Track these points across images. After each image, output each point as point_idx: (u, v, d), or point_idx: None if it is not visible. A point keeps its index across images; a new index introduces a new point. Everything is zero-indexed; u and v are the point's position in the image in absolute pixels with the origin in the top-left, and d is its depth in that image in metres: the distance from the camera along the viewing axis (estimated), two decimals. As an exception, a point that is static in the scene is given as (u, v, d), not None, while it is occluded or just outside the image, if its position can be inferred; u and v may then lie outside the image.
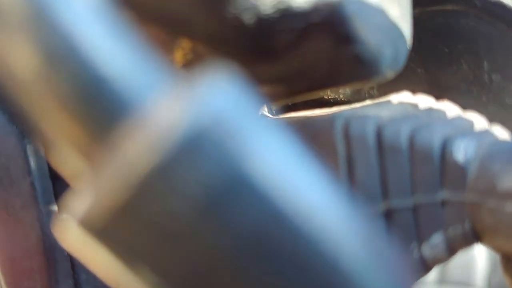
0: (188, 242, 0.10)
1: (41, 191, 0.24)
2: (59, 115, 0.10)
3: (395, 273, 0.11)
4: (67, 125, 0.10)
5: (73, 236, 0.10)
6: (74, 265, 0.25)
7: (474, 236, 0.20)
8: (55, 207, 0.25)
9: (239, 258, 0.10)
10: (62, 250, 0.25)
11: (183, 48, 0.21)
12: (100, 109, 0.10)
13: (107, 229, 0.10)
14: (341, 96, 0.29)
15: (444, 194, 0.20)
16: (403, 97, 0.24)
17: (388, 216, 0.20)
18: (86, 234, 0.10)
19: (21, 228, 0.24)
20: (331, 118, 0.21)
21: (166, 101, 0.10)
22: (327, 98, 0.29)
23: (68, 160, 0.11)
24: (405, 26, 0.22)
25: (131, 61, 0.10)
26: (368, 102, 0.24)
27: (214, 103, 0.10)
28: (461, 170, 0.20)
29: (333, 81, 0.20)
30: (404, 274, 0.12)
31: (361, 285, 0.11)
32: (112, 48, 0.10)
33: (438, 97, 0.24)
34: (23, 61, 0.10)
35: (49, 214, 0.24)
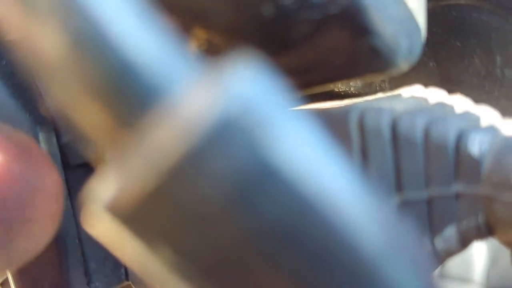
0: (218, 228, 0.10)
1: None
2: (87, 100, 0.10)
3: (417, 262, 0.12)
4: (95, 111, 0.10)
5: (100, 222, 0.10)
6: (84, 254, 0.25)
7: (487, 230, 0.20)
8: (66, 196, 0.25)
9: (266, 244, 0.10)
10: (72, 238, 0.25)
11: (198, 38, 0.21)
12: (129, 95, 0.10)
13: (136, 215, 0.10)
14: (351, 89, 0.29)
15: (458, 187, 0.20)
16: (416, 90, 0.24)
17: (402, 208, 0.20)
18: (114, 220, 0.10)
19: None
20: (346, 110, 0.21)
21: (195, 88, 0.10)
22: (337, 90, 0.29)
23: (95, 146, 0.11)
24: (420, 19, 0.22)
25: (160, 48, 0.10)
26: (379, 95, 0.24)
27: (243, 91, 0.10)
28: (475, 163, 0.20)
29: (349, 73, 0.20)
30: (425, 263, 0.12)
31: (385, 272, 0.11)
32: (141, 35, 0.10)
33: (449, 91, 0.24)
34: (51, 45, 0.10)
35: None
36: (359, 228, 0.11)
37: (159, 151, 0.10)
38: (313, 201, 0.10)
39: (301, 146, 0.10)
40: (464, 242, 0.20)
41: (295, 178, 0.10)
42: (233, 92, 0.10)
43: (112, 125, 0.10)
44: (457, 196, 0.20)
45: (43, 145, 0.24)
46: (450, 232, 0.20)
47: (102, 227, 0.10)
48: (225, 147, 0.10)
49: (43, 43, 0.10)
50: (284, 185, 0.10)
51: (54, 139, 0.24)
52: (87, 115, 0.10)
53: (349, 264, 0.10)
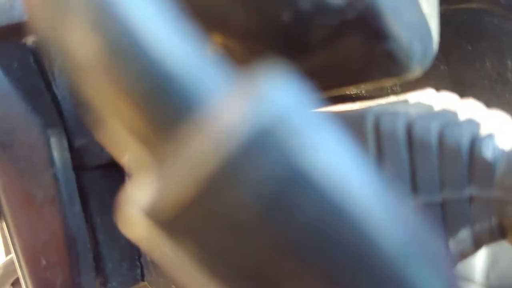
0: (253, 234, 0.10)
1: (64, 183, 0.24)
2: (123, 106, 0.10)
3: (439, 261, 0.12)
4: (131, 116, 0.10)
5: (138, 227, 0.11)
6: (101, 254, 0.25)
7: (500, 233, 0.20)
8: (77, 199, 0.25)
9: (297, 248, 0.10)
10: (84, 242, 0.25)
11: (215, 43, 0.21)
12: (166, 102, 0.10)
13: (174, 221, 0.10)
14: (363, 91, 0.29)
15: (472, 190, 0.20)
16: (428, 94, 0.24)
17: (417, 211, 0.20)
18: (152, 225, 0.10)
19: (43, 219, 0.25)
20: (362, 113, 0.21)
21: (230, 97, 0.10)
22: (349, 93, 0.30)
23: (131, 152, 0.11)
24: (434, 23, 0.22)
25: (196, 57, 0.11)
26: (392, 98, 0.24)
27: (276, 100, 0.10)
28: (489, 167, 0.20)
29: (364, 77, 0.21)
30: (447, 262, 0.12)
31: (409, 272, 0.11)
32: (176, 40, 0.11)
33: (461, 94, 0.24)
34: (86, 46, 0.10)
35: (72, 206, 0.25)
36: (384, 229, 0.11)
37: (196, 159, 0.10)
38: (342, 205, 0.11)
39: (331, 152, 0.11)
40: (477, 244, 0.21)
41: (325, 183, 0.10)
42: (267, 101, 0.10)
43: (150, 132, 0.10)
44: (471, 199, 0.20)
45: (54, 149, 0.24)
46: (464, 235, 0.21)
47: (140, 231, 0.11)
48: (261, 155, 0.10)
49: (79, 45, 0.10)
50: (315, 191, 0.10)
51: (65, 143, 0.24)
52: (123, 120, 0.10)
53: (375, 264, 0.11)
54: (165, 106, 0.10)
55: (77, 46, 0.11)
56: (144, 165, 0.11)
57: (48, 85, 0.25)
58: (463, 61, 0.28)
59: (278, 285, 0.10)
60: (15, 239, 0.25)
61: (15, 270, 0.42)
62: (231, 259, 0.10)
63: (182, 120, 0.10)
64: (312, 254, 0.10)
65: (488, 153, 0.20)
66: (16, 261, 0.26)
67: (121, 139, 0.11)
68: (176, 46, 0.11)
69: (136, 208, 0.10)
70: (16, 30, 0.26)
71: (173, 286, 0.24)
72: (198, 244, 0.10)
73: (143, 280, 0.26)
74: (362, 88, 0.29)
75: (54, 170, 0.24)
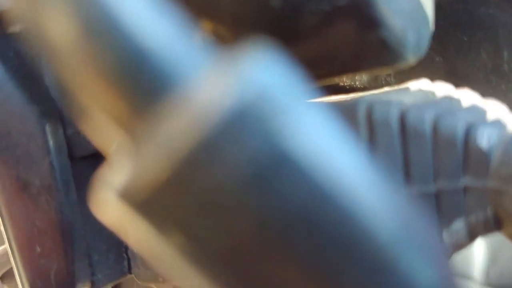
0: (232, 215, 0.10)
1: (59, 171, 0.24)
2: (100, 88, 0.10)
3: (431, 250, 0.11)
4: (107, 98, 0.10)
5: (112, 210, 0.10)
6: (88, 245, 0.25)
7: (496, 223, 0.20)
8: (73, 187, 0.25)
9: (280, 231, 0.10)
10: (79, 230, 0.25)
11: (204, 30, 0.20)
12: (143, 82, 0.10)
13: (149, 203, 0.10)
14: (357, 83, 0.29)
15: (466, 181, 0.20)
16: (422, 84, 0.23)
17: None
18: (126, 208, 0.10)
19: (39, 207, 0.24)
20: (353, 103, 0.21)
21: (209, 76, 0.10)
22: (342, 84, 0.29)
23: (107, 133, 0.11)
24: (429, 12, 0.22)
25: (173, 36, 0.10)
26: (386, 89, 0.24)
27: (258, 78, 0.10)
28: (484, 157, 0.20)
29: (357, 66, 0.20)
30: (440, 251, 0.12)
31: (400, 258, 0.11)
32: (154, 21, 0.10)
33: (456, 85, 0.23)
34: (62, 31, 0.10)
35: (68, 194, 0.24)
36: (374, 215, 0.10)
37: (174, 138, 0.10)
38: (329, 189, 0.10)
39: (317, 134, 0.10)
40: (472, 236, 0.20)
41: (310, 166, 0.10)
42: (248, 79, 0.10)
43: (126, 112, 0.10)
44: (465, 189, 0.20)
45: (50, 137, 0.24)
46: (458, 226, 0.20)
47: (114, 214, 0.10)
48: (241, 134, 0.10)
49: (54, 29, 0.10)
50: (299, 173, 0.10)
51: (61, 131, 0.24)
52: (100, 102, 0.10)
53: (364, 251, 0.10)
54: (141, 85, 0.10)
55: (53, 28, 0.10)
56: (121, 147, 0.10)
57: (43, 74, 0.25)
58: (459, 52, 0.28)
59: (260, 269, 0.10)
60: (9, 227, 0.25)
61: (4, 263, 0.41)
62: (210, 243, 0.10)
63: (159, 99, 0.10)
64: (297, 238, 0.10)
65: (483, 142, 0.20)
66: (9, 249, 0.25)
67: (100, 124, 0.11)
68: (153, 24, 0.10)
69: (110, 190, 0.10)
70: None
71: (160, 279, 0.24)
72: (175, 227, 0.10)
73: (130, 272, 0.25)
74: (355, 79, 0.28)
75: (50, 158, 0.24)
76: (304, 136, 0.10)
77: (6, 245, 0.26)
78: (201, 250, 0.10)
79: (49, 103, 0.24)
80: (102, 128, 0.11)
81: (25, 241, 0.24)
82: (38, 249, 0.24)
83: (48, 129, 0.23)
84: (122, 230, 0.10)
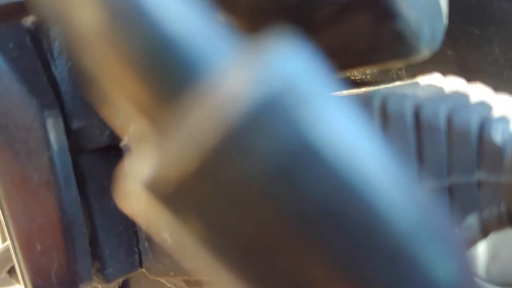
0: (258, 207, 0.10)
1: (60, 166, 0.24)
2: (126, 76, 0.10)
3: (451, 244, 0.11)
4: (133, 86, 0.10)
5: (137, 201, 0.10)
6: (98, 240, 0.25)
7: (509, 218, 0.20)
8: (74, 183, 0.24)
9: (305, 222, 0.10)
10: (80, 227, 0.24)
11: (220, 21, 0.20)
12: (169, 70, 0.10)
13: (176, 194, 0.10)
14: (368, 77, 0.29)
15: (480, 175, 0.20)
16: (434, 78, 0.23)
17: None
18: (152, 199, 0.10)
19: (39, 203, 0.24)
20: (368, 96, 0.20)
21: (236, 66, 0.10)
22: (353, 78, 0.29)
23: (131, 123, 0.10)
24: (443, 4, 0.22)
25: (200, 24, 0.10)
26: (397, 83, 0.23)
27: (285, 68, 0.10)
28: (498, 151, 0.20)
29: (372, 59, 0.20)
30: (459, 245, 0.12)
31: (420, 251, 0.11)
32: (180, 10, 0.10)
33: (468, 80, 0.23)
34: (89, 18, 0.10)
35: (68, 190, 0.24)
36: (396, 207, 0.10)
37: (201, 129, 0.09)
38: (354, 181, 0.10)
39: (343, 125, 0.10)
40: (485, 231, 0.20)
41: (336, 157, 0.10)
42: (275, 69, 0.10)
43: (151, 101, 0.10)
44: (479, 184, 0.20)
45: (50, 131, 0.23)
46: (472, 221, 0.20)
47: (139, 205, 0.10)
48: (268, 124, 0.09)
49: (81, 17, 0.10)
50: (325, 164, 0.10)
51: (61, 125, 0.24)
52: (125, 91, 0.10)
53: (386, 243, 0.10)
54: (168, 74, 0.10)
55: (79, 16, 0.10)
56: (146, 138, 0.10)
57: (46, 66, 0.24)
58: (470, 46, 0.27)
59: (284, 261, 0.10)
60: (10, 223, 0.24)
61: (11, 257, 0.41)
62: (235, 234, 0.10)
63: (185, 89, 0.10)
64: (320, 230, 0.10)
65: (497, 137, 0.20)
66: (11, 246, 0.25)
67: (123, 112, 0.10)
68: (181, 14, 0.10)
69: (136, 182, 0.10)
70: (13, 10, 0.25)
71: (171, 273, 0.24)
72: (201, 218, 0.10)
73: (141, 266, 0.25)
74: (366, 73, 0.28)
75: (50, 153, 0.23)
76: (330, 127, 0.10)
77: (9, 241, 0.26)
78: (226, 242, 0.10)
79: (50, 96, 0.23)
80: (126, 117, 0.10)
81: (26, 238, 0.24)
82: (38, 247, 0.24)
83: (48, 122, 0.23)
84: (147, 221, 0.10)
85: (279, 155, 0.09)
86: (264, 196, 0.09)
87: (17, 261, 0.25)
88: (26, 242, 0.24)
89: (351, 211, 0.10)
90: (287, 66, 0.10)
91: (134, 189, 0.10)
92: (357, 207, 0.10)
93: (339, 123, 0.10)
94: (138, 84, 0.10)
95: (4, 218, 0.24)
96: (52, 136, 0.23)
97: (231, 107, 0.09)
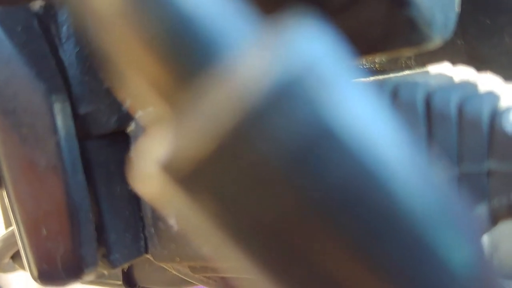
0: (277, 190, 0.09)
1: (67, 151, 0.24)
2: (144, 55, 0.10)
3: (467, 229, 0.11)
4: (151, 66, 0.10)
5: (153, 183, 0.10)
6: (104, 225, 0.24)
7: (518, 208, 0.20)
8: (81, 168, 0.24)
9: (324, 206, 0.10)
10: (86, 213, 0.24)
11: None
12: (188, 51, 0.10)
13: (193, 176, 0.10)
14: (376, 65, 0.28)
15: (490, 164, 0.20)
16: (444, 68, 0.23)
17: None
18: (169, 181, 0.10)
19: (45, 188, 0.24)
20: (379, 84, 0.20)
21: (256, 47, 0.10)
22: (361, 67, 0.29)
23: (148, 104, 0.10)
24: (455, -7, 0.21)
25: (220, 5, 0.10)
26: (406, 72, 0.23)
27: (306, 50, 0.10)
28: (509, 141, 0.20)
29: (384, 46, 0.20)
30: (475, 231, 0.12)
31: (438, 238, 0.11)
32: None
33: (478, 70, 0.23)
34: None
35: (75, 175, 0.24)
36: (415, 192, 0.10)
37: (220, 110, 0.09)
38: (373, 165, 0.10)
39: (363, 110, 0.10)
40: (494, 220, 0.20)
41: (356, 141, 0.10)
42: (296, 51, 0.09)
43: (170, 82, 0.10)
44: (489, 173, 0.20)
45: (57, 116, 0.23)
46: (481, 210, 0.20)
47: (156, 187, 0.10)
48: (288, 107, 0.09)
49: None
50: (345, 148, 0.10)
51: (69, 110, 0.23)
52: (144, 71, 0.10)
53: (403, 227, 0.10)
54: (187, 54, 0.10)
55: None
56: (163, 118, 0.10)
57: (54, 51, 0.24)
58: (481, 35, 0.27)
59: (300, 246, 0.10)
60: (16, 208, 0.24)
61: (15, 243, 0.41)
62: (252, 218, 0.10)
63: (204, 69, 0.10)
64: (338, 214, 0.10)
65: (508, 126, 0.20)
66: (17, 231, 0.25)
67: (140, 93, 0.10)
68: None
69: (153, 163, 0.10)
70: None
71: (177, 259, 0.24)
72: (218, 201, 0.10)
73: (146, 252, 0.25)
74: (374, 62, 0.28)
75: (57, 138, 0.23)
76: (350, 110, 0.10)
77: (14, 226, 0.26)
78: (243, 225, 0.10)
79: (58, 81, 0.23)
80: (142, 99, 0.10)
81: (32, 223, 0.23)
82: (44, 232, 0.24)
83: (55, 107, 0.23)
84: (163, 203, 0.10)
85: (299, 138, 0.09)
86: (283, 179, 0.09)
87: (22, 246, 0.25)
88: (32, 227, 0.24)
89: (369, 196, 0.10)
90: (308, 48, 0.10)
91: (150, 170, 0.10)
92: (375, 192, 0.10)
93: (360, 107, 0.10)
94: (157, 64, 0.10)
95: (10, 203, 0.24)
96: (60, 121, 0.23)
97: (251, 88, 0.09)
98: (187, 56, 0.10)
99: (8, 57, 0.23)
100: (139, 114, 0.21)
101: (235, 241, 0.10)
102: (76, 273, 0.24)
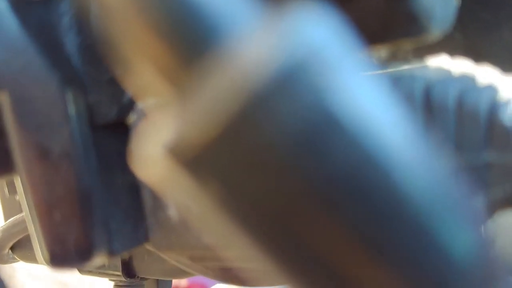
0: (281, 174, 0.10)
1: (80, 138, 0.24)
2: (149, 39, 0.10)
3: (469, 217, 0.11)
4: (156, 49, 0.10)
5: (158, 167, 0.10)
6: (107, 214, 0.25)
7: (515, 200, 0.20)
8: (93, 155, 0.24)
9: (326, 191, 0.10)
10: (97, 199, 0.24)
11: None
12: (193, 34, 0.10)
13: (198, 160, 0.10)
14: (374, 59, 0.28)
15: (488, 156, 0.20)
16: (442, 61, 0.23)
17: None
18: (174, 164, 0.10)
19: (59, 175, 0.24)
20: (378, 77, 0.20)
21: (261, 30, 0.10)
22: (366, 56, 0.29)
23: (152, 88, 0.10)
24: (455, -14, 0.22)
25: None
26: (405, 66, 0.23)
27: (310, 34, 0.10)
28: (507, 133, 0.20)
29: (384, 38, 0.20)
30: (476, 218, 0.12)
31: (440, 224, 0.11)
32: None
33: (476, 63, 0.23)
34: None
35: (88, 162, 0.24)
36: (418, 180, 0.10)
37: (224, 94, 0.09)
38: (376, 152, 0.10)
39: (367, 95, 0.10)
40: (491, 212, 0.20)
41: (359, 126, 0.10)
42: (301, 35, 0.10)
43: (174, 65, 0.10)
44: (487, 165, 0.20)
45: (70, 104, 0.24)
46: (478, 201, 0.20)
47: (160, 171, 0.10)
48: (292, 91, 0.09)
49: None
50: (347, 133, 0.10)
51: (82, 99, 0.24)
52: (148, 54, 0.10)
53: (406, 214, 0.10)
54: (190, 36, 0.10)
55: None
56: (168, 104, 0.10)
57: (58, 42, 0.24)
58: (480, 30, 0.27)
59: (304, 229, 0.10)
60: (29, 193, 0.25)
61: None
62: (256, 202, 0.10)
63: (208, 52, 0.10)
64: (341, 199, 0.10)
65: (506, 119, 0.20)
66: (29, 217, 0.25)
67: (146, 78, 0.10)
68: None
69: (157, 147, 0.10)
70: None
71: (177, 248, 0.24)
72: (222, 184, 0.10)
73: (147, 241, 0.25)
74: (373, 55, 0.28)
75: (71, 126, 0.24)
76: (354, 96, 0.10)
77: (24, 213, 0.26)
78: (248, 209, 0.10)
79: (71, 70, 0.24)
80: (148, 82, 0.10)
81: (45, 208, 0.24)
82: (58, 216, 0.24)
83: (69, 96, 0.23)
84: (167, 187, 0.10)
85: (302, 122, 0.09)
86: (286, 163, 0.10)
87: (35, 231, 0.25)
88: (45, 212, 0.24)
89: (372, 181, 0.10)
90: (313, 33, 0.10)
91: (155, 154, 0.10)
92: (378, 177, 0.10)
93: (363, 92, 0.10)
94: (162, 47, 0.10)
95: (23, 188, 0.25)
96: (73, 110, 0.24)
97: (255, 72, 0.09)
98: (192, 39, 0.10)
99: (23, 48, 0.23)
100: (143, 103, 0.22)
101: (239, 225, 0.10)
102: (86, 256, 0.24)
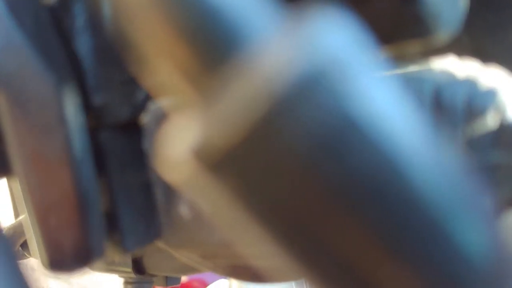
0: (302, 178, 0.10)
1: (76, 143, 0.24)
2: (172, 42, 0.10)
3: (485, 219, 0.12)
4: (179, 53, 0.10)
5: (183, 169, 0.11)
6: (117, 212, 0.25)
7: (522, 200, 0.20)
8: (90, 159, 0.24)
9: (348, 194, 0.10)
10: (95, 204, 0.25)
11: None
12: (216, 37, 0.10)
13: (223, 163, 0.10)
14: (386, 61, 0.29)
15: (496, 157, 0.20)
16: (450, 62, 0.24)
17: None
18: (199, 167, 0.10)
19: (54, 179, 0.24)
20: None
21: (282, 36, 0.10)
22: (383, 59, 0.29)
23: (175, 91, 0.11)
24: (462, -11, 0.22)
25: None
26: (413, 67, 0.24)
27: (330, 40, 0.10)
28: (514, 134, 0.20)
29: (391, 39, 0.20)
30: (490, 218, 0.12)
31: (456, 226, 0.11)
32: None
33: (483, 64, 0.24)
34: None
35: (84, 165, 0.24)
36: (436, 184, 0.11)
37: (248, 99, 0.10)
38: (395, 158, 0.10)
39: (387, 101, 0.10)
40: (501, 212, 0.21)
41: (378, 131, 0.10)
42: (321, 41, 0.10)
43: (197, 69, 0.10)
44: (494, 166, 0.20)
45: (66, 107, 0.23)
46: (487, 202, 0.20)
47: (185, 173, 0.10)
48: (312, 97, 0.10)
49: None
50: (367, 138, 0.10)
51: (78, 101, 0.24)
52: (172, 58, 0.10)
53: (424, 217, 0.11)
54: (213, 40, 0.10)
55: None
56: (190, 106, 0.11)
57: (67, 43, 0.24)
58: (486, 31, 0.28)
59: (324, 234, 0.10)
60: (27, 197, 0.25)
61: (24, 232, 0.42)
62: (278, 203, 0.10)
63: (231, 57, 0.10)
64: (361, 203, 0.10)
65: (513, 120, 0.20)
66: (29, 220, 0.26)
67: (168, 81, 0.11)
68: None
69: (182, 149, 0.10)
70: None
71: (189, 245, 0.25)
72: (246, 187, 0.10)
73: (159, 239, 0.26)
74: (382, 56, 0.28)
75: (66, 129, 0.24)
76: (374, 102, 0.10)
77: (25, 215, 0.26)
78: (270, 211, 0.10)
79: (67, 71, 0.24)
80: (171, 86, 0.11)
81: (42, 212, 0.24)
82: (54, 221, 0.24)
83: (65, 99, 0.23)
84: (191, 189, 0.11)
85: (324, 127, 0.10)
86: (308, 167, 0.10)
87: (34, 235, 0.25)
88: (42, 216, 0.24)
89: (391, 184, 0.10)
90: (333, 39, 0.10)
91: (179, 156, 0.10)
92: (396, 180, 0.10)
93: (382, 98, 0.10)
94: (186, 50, 0.10)
95: (23, 191, 0.25)
96: (69, 112, 0.24)
97: (278, 77, 0.10)
98: (215, 42, 0.10)
99: (19, 47, 0.23)
100: (162, 103, 0.22)
101: (261, 227, 0.11)
102: (84, 262, 0.24)
